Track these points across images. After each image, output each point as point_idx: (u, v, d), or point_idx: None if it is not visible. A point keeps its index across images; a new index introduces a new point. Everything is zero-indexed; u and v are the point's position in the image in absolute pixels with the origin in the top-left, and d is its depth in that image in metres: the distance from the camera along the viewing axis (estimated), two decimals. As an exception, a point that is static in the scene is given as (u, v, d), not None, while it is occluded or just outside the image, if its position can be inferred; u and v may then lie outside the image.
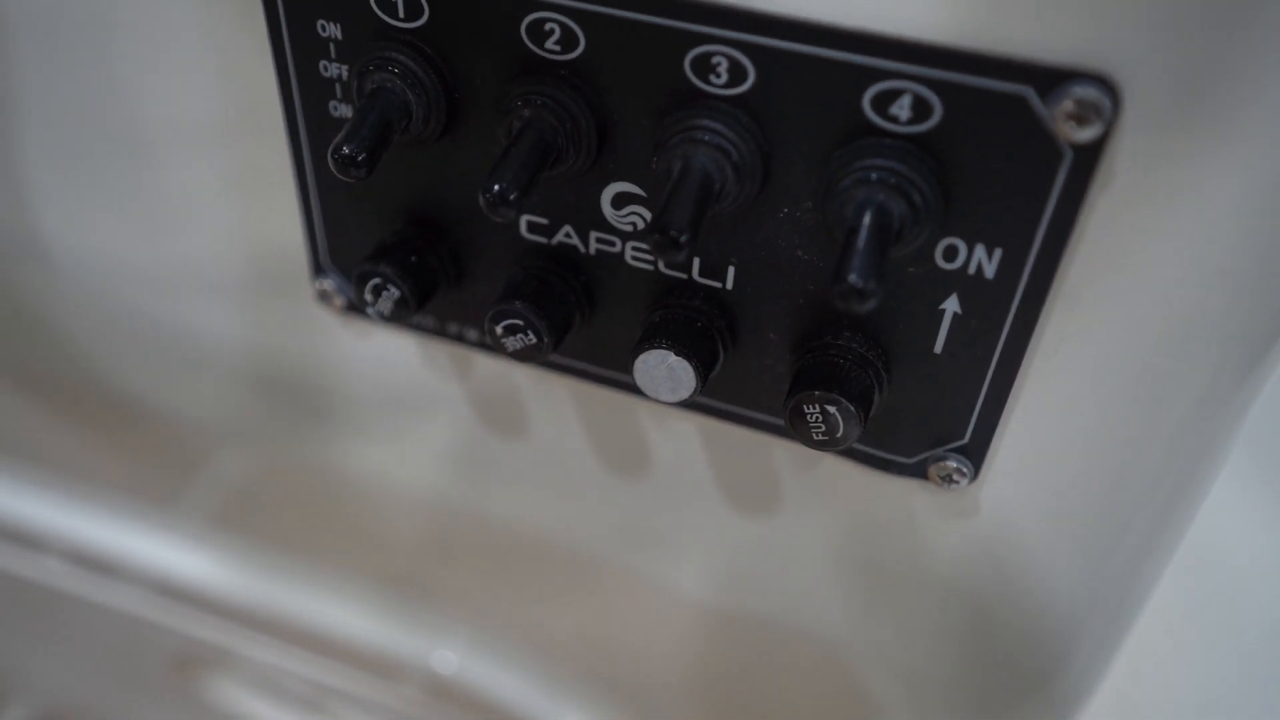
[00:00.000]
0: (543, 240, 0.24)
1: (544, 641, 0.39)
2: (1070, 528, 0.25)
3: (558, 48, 0.21)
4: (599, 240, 0.24)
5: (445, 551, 0.36)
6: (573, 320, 0.24)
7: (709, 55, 0.20)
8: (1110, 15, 0.17)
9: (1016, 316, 0.21)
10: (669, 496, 0.29)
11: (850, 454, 0.25)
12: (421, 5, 0.21)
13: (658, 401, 0.23)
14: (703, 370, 0.23)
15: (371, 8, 0.22)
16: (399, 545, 0.37)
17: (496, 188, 0.20)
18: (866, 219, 0.19)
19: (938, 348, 0.22)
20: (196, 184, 0.27)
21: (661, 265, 0.23)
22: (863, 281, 0.18)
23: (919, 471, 0.24)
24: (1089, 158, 0.18)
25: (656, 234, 0.19)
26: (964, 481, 0.24)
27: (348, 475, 0.35)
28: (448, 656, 0.41)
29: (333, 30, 0.23)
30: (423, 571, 0.38)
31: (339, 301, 0.28)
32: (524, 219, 0.24)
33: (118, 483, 0.42)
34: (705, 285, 0.23)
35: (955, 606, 0.28)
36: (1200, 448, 0.23)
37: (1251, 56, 0.17)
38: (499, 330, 0.24)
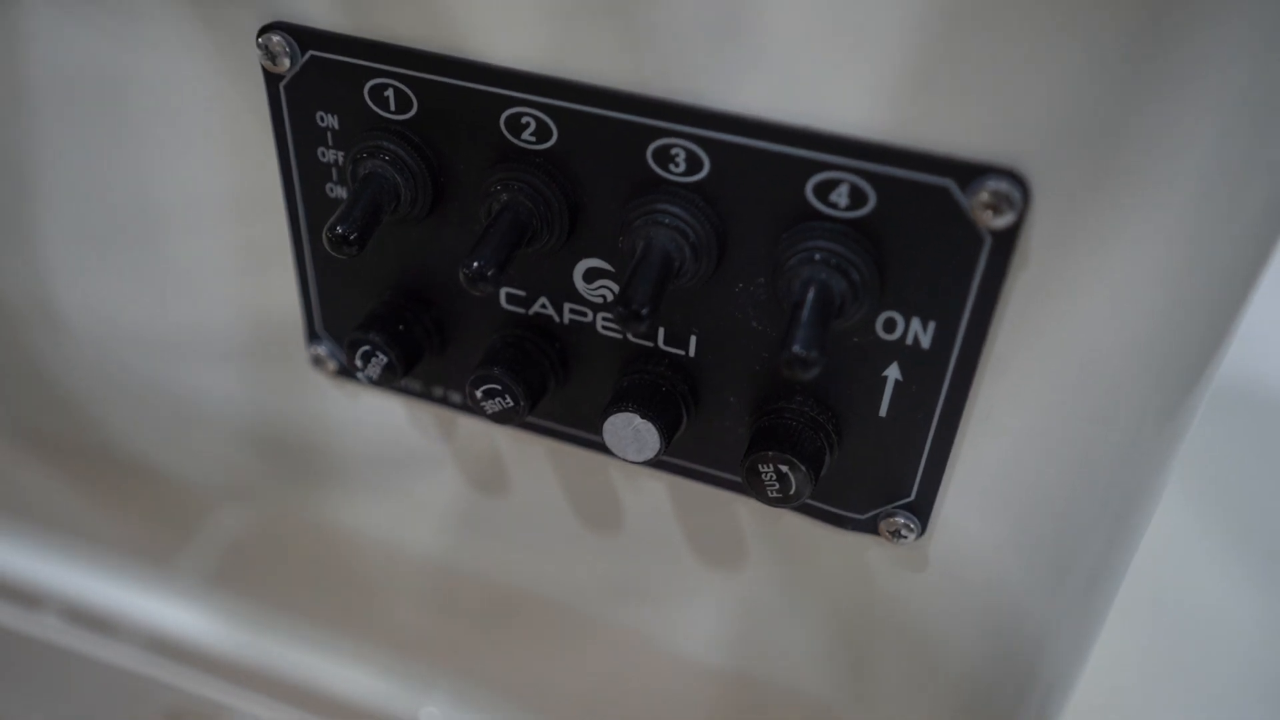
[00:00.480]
0: (521, 311, 0.26)
1: (525, 694, 0.40)
2: (1018, 579, 0.26)
3: (533, 139, 0.23)
4: (572, 311, 0.26)
5: (432, 606, 0.38)
6: (548, 385, 0.26)
7: (668, 147, 0.22)
8: (1015, 119, 0.19)
9: (952, 383, 0.23)
10: (642, 552, 0.31)
11: (807, 510, 0.27)
12: (410, 99, 0.24)
13: (626, 461, 0.25)
14: (666, 431, 0.25)
15: (366, 101, 0.24)
16: (388, 600, 0.39)
17: (475, 264, 0.22)
18: (810, 294, 0.21)
19: (883, 411, 0.24)
20: (202, 256, 0.29)
21: (629, 334, 0.25)
22: (805, 351, 0.20)
23: (870, 527, 0.26)
24: (1006, 242, 0.20)
25: (620, 307, 0.21)
26: (912, 536, 0.25)
27: (339, 532, 0.36)
28: (433, 713, 0.42)
29: (330, 121, 0.25)
30: (410, 626, 0.40)
31: (331, 366, 0.30)
32: (503, 291, 0.26)
33: (117, 540, 0.44)
34: (670, 353, 0.25)
35: (916, 655, 0.29)
36: (1132, 492, 0.24)
37: (1143, 157, 0.19)
38: (479, 394, 0.26)
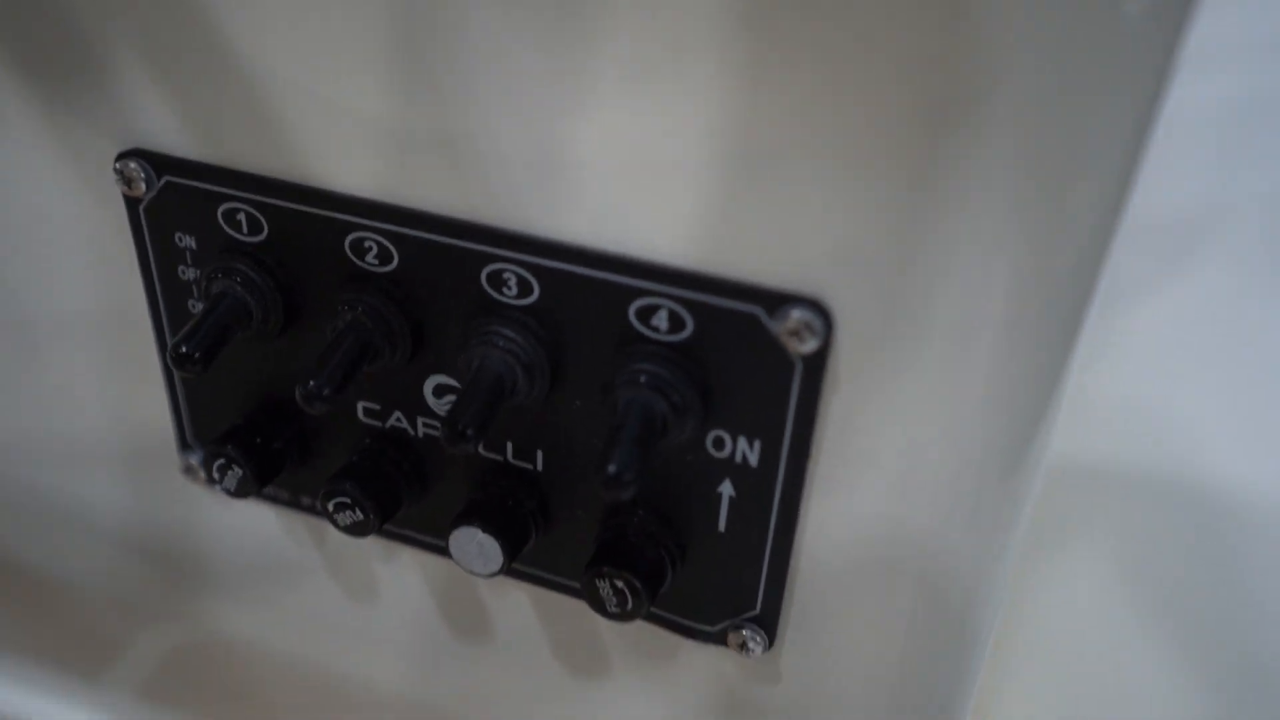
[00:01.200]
0: (377, 424, 0.26)
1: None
2: (875, 694, 0.26)
3: (376, 261, 0.24)
4: (425, 425, 0.26)
5: (318, 716, 0.37)
6: (401, 498, 0.26)
7: (500, 271, 0.23)
8: (811, 250, 0.20)
9: (782, 499, 0.23)
10: (513, 663, 0.30)
11: (660, 621, 0.27)
12: (261, 223, 0.24)
13: (473, 574, 0.25)
14: (511, 547, 0.25)
15: (220, 224, 0.25)
16: (278, 712, 0.38)
17: (310, 384, 0.23)
18: (629, 415, 0.22)
19: (721, 527, 0.24)
20: (78, 370, 0.30)
21: (481, 448, 0.26)
22: (618, 471, 0.21)
23: (720, 639, 0.26)
24: (815, 366, 0.21)
25: (446, 428, 0.22)
26: (759, 649, 0.25)
27: (232, 643, 0.36)
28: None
29: (189, 241, 0.25)
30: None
31: (203, 475, 0.30)
32: (360, 405, 0.26)
33: (28, 661, 0.43)
34: (519, 467, 0.26)
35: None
36: (971, 595, 0.25)
37: (938, 277, 0.20)
38: (330, 507, 0.26)
